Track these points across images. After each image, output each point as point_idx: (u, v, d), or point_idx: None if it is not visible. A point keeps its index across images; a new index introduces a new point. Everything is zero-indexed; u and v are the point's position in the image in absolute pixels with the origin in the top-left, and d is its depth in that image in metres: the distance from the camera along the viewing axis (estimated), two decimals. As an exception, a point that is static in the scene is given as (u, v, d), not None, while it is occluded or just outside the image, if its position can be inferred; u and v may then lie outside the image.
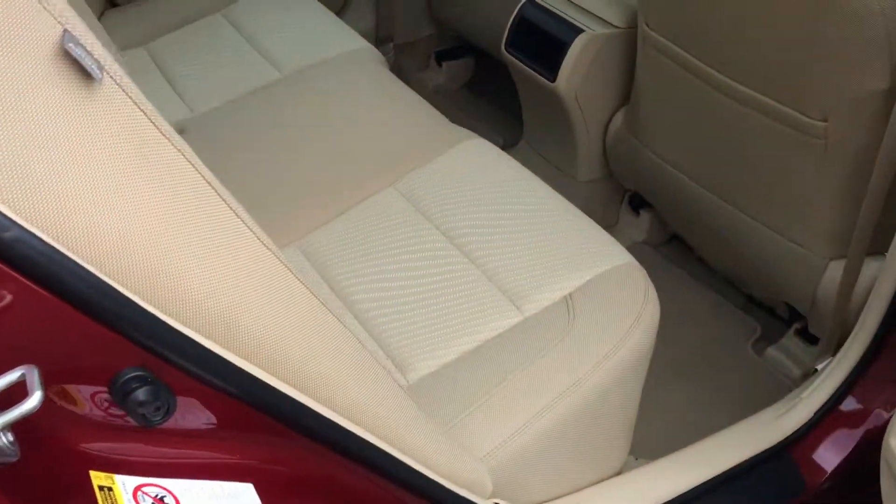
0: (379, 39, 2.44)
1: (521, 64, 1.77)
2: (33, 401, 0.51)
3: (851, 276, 1.29)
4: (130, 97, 0.59)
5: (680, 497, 1.22)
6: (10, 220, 0.50)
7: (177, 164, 0.62)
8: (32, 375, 0.52)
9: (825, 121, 1.24)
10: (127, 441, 0.64)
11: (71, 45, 0.52)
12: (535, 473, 1.08)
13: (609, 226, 1.95)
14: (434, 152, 1.44)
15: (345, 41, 1.77)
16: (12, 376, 0.52)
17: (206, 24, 1.89)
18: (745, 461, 1.28)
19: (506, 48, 1.80)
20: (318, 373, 0.73)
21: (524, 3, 1.77)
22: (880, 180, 1.18)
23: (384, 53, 2.43)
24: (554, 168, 1.92)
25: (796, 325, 1.61)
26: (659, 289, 1.67)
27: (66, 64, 0.54)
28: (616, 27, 1.66)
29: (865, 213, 1.22)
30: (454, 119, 2.37)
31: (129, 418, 0.61)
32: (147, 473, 0.63)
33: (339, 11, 2.38)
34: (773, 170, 1.38)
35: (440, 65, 2.50)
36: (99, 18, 1.93)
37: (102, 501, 0.60)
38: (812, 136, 1.27)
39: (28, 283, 0.52)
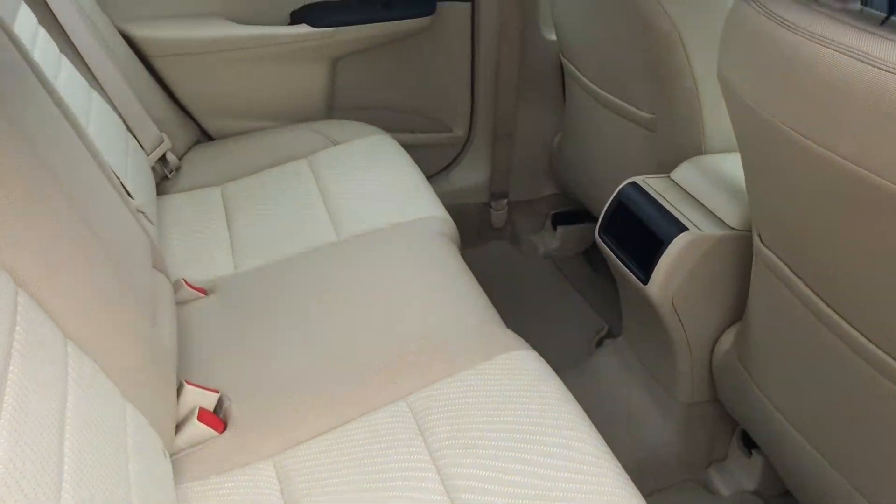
0: (493, 195, 2.24)
1: (614, 256, 1.48)
2: None
3: None
4: None
5: None
6: None
7: None
8: None
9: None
10: None
11: None
12: None
13: (716, 460, 1.58)
14: (467, 362, 1.18)
15: (419, 207, 1.58)
16: None
17: (290, 169, 1.77)
18: None
19: (600, 233, 1.53)
20: None
21: (625, 186, 1.50)
22: None
23: (497, 210, 2.24)
24: (652, 377, 1.59)
25: None
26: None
27: None
28: (730, 228, 1.34)
29: None
30: (560, 292, 2.12)
31: None
32: None
33: (452, 162, 2.22)
34: (907, 458, 1.00)
35: (555, 228, 2.25)
36: (186, 152, 1.87)
37: None
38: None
39: None
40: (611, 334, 1.87)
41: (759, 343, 1.28)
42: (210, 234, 1.60)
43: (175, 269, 1.48)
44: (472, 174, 2.22)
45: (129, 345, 1.01)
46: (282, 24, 1.91)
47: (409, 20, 1.97)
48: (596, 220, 2.12)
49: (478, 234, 2.29)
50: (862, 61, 0.81)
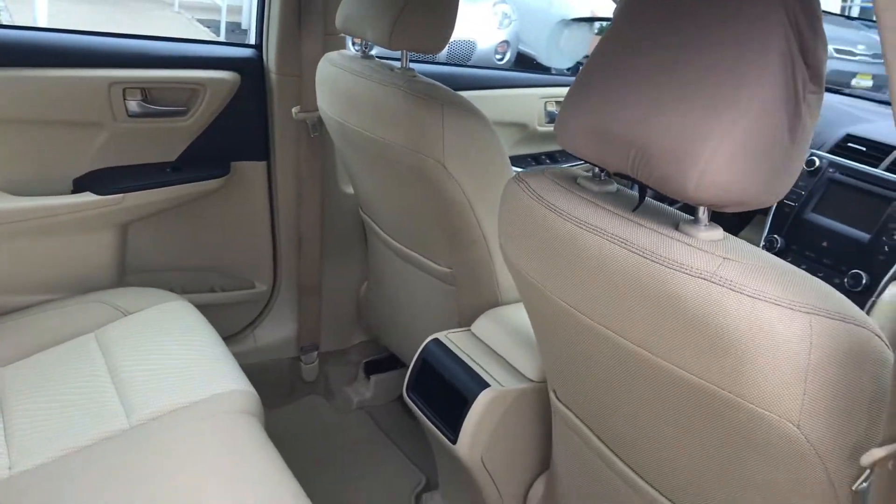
0: (302, 349, 2.20)
1: (423, 415, 1.48)
2: None
3: None
4: None
5: None
6: None
7: None
8: None
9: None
10: None
11: None
12: None
13: None
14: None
15: (218, 380, 1.51)
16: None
17: (75, 346, 1.64)
18: None
19: (408, 392, 1.53)
20: None
21: (428, 343, 1.52)
22: None
23: (307, 363, 2.19)
24: (471, 532, 1.57)
25: None
26: None
27: None
28: (529, 380, 1.39)
29: None
30: (377, 446, 2.09)
31: None
32: None
33: (258, 318, 2.17)
34: None
35: (368, 378, 2.23)
36: (-44, 336, 1.70)
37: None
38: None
39: None
40: (429, 487, 1.85)
41: (565, 491, 1.30)
42: (-18, 430, 1.44)
43: (-63, 479, 1.31)
44: (279, 329, 2.17)
45: None
46: (64, 192, 1.82)
47: (201, 182, 1.94)
48: (407, 366, 2.14)
49: (290, 390, 2.22)
50: (621, 246, 0.87)
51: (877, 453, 0.73)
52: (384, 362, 2.23)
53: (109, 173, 1.85)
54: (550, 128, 2.46)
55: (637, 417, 0.99)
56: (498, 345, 1.48)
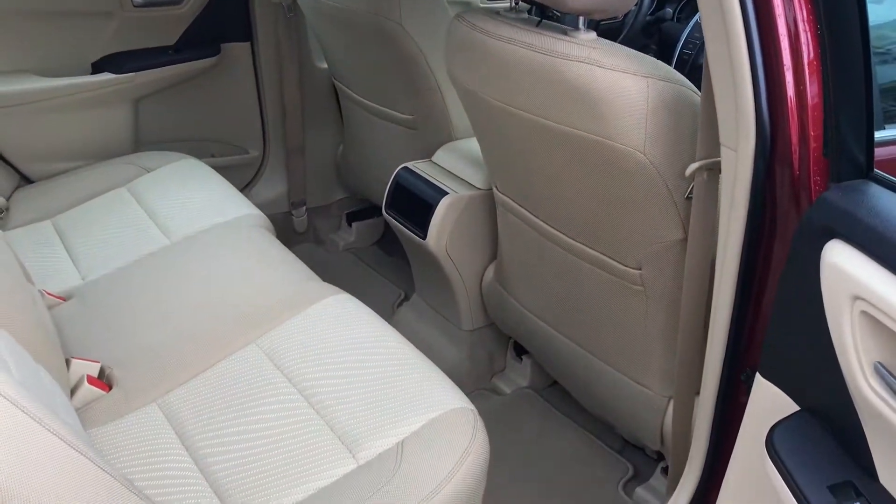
0: (293, 204, 2.59)
1: (398, 224, 1.90)
2: None
3: (682, 413, 1.36)
4: None
5: None
6: None
7: None
8: None
9: (640, 269, 1.35)
10: None
11: None
12: None
13: (497, 372, 2.03)
14: (299, 308, 1.53)
15: (234, 208, 1.90)
16: None
17: (111, 197, 2.02)
18: None
19: (386, 210, 1.94)
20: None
21: (399, 170, 1.92)
22: (687, 321, 1.27)
23: (298, 217, 2.59)
24: (442, 318, 2.01)
25: (662, 464, 1.66)
26: (539, 431, 1.73)
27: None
28: (478, 189, 1.80)
29: (681, 352, 1.31)
30: (362, 275, 2.52)
31: None
32: None
33: (253, 179, 2.55)
34: (609, 315, 1.48)
35: (350, 225, 2.64)
36: (11, 194, 2.07)
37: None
38: (631, 282, 1.38)
39: None
40: (407, 298, 2.28)
41: (507, 264, 1.74)
42: (51, 256, 1.83)
43: (29, 287, 1.71)
44: (271, 188, 2.56)
45: (26, 327, 1.27)
46: (84, 73, 2.16)
47: (198, 61, 2.29)
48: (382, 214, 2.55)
49: (285, 239, 2.62)
50: (529, 49, 1.27)
51: (693, 166, 1.16)
52: (363, 212, 2.64)
53: (121, 56, 2.19)
54: (491, 4, 2.82)
55: (546, 177, 1.41)
56: (453, 167, 1.88)
